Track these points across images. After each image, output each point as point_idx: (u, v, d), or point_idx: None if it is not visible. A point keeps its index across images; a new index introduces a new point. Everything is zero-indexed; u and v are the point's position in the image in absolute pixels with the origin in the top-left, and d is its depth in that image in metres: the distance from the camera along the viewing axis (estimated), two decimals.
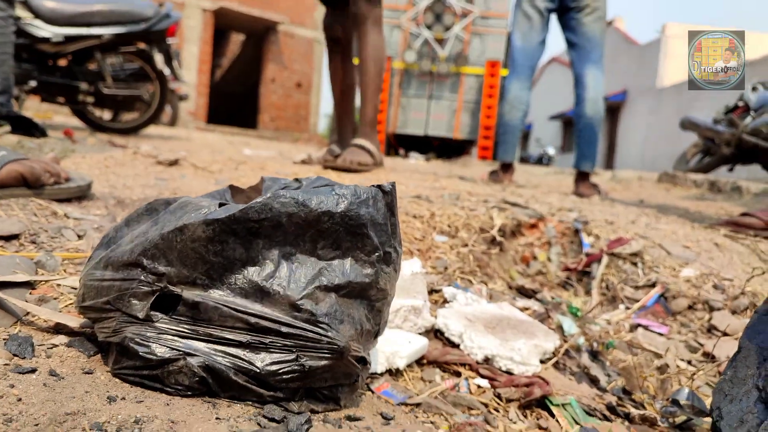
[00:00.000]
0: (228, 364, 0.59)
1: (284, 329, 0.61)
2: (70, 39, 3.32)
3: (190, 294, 0.60)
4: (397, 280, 0.73)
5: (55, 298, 0.76)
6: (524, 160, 15.53)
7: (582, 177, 3.44)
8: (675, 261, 1.76)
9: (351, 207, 0.65)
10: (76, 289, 0.82)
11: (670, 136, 14.76)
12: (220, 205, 0.63)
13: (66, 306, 0.76)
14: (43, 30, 3.24)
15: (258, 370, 0.60)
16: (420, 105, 8.19)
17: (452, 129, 8.23)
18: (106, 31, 3.38)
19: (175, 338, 0.59)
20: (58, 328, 0.69)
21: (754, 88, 5.52)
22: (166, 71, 3.67)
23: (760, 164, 5.44)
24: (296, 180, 0.84)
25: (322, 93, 15.24)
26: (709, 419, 0.88)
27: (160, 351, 0.58)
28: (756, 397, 0.69)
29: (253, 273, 0.62)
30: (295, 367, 0.61)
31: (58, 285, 0.81)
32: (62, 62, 3.57)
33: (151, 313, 0.60)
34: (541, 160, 15.13)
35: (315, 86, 14.16)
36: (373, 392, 0.79)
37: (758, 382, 0.70)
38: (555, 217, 2.02)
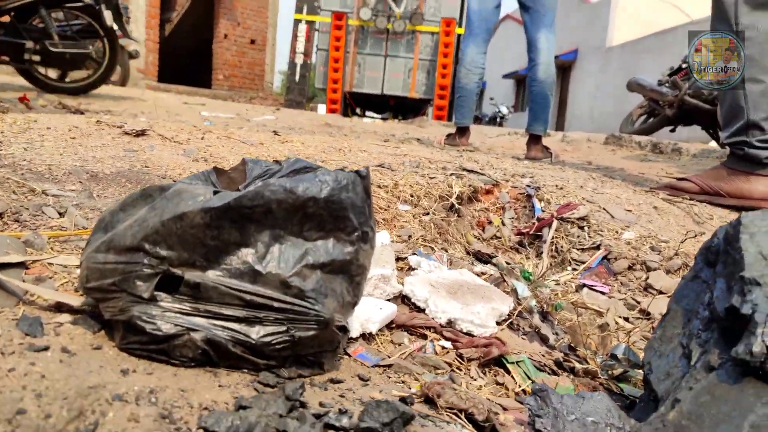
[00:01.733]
0: (227, 337, 0.66)
1: (276, 304, 0.68)
2: None
3: (191, 275, 0.66)
4: (372, 255, 0.81)
5: (50, 278, 0.81)
6: (478, 119, 15.72)
7: (534, 140, 3.57)
8: (617, 224, 1.91)
9: (333, 192, 0.72)
10: (67, 267, 0.86)
11: (617, 94, 15.19)
12: (215, 192, 0.68)
13: (62, 284, 0.80)
14: None
15: (254, 342, 0.67)
16: (376, 63, 8.16)
17: (408, 88, 8.26)
18: None
19: (178, 315, 0.66)
20: (59, 307, 0.74)
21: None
22: (115, 27, 3.54)
23: (699, 125, 5.74)
24: (276, 162, 0.90)
25: (278, 50, 14.82)
26: (642, 371, 1.02)
27: (166, 327, 0.65)
28: (680, 353, 0.81)
29: (246, 254, 0.68)
30: (286, 338, 0.69)
31: (50, 264, 0.85)
32: (5, 19, 3.39)
33: (155, 293, 0.66)
34: (495, 119, 15.36)
35: (270, 43, 13.77)
36: (349, 356, 0.87)
37: (682, 340, 0.83)
38: (509, 183, 2.13)
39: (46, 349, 0.63)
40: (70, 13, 3.56)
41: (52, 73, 3.82)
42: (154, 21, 11.71)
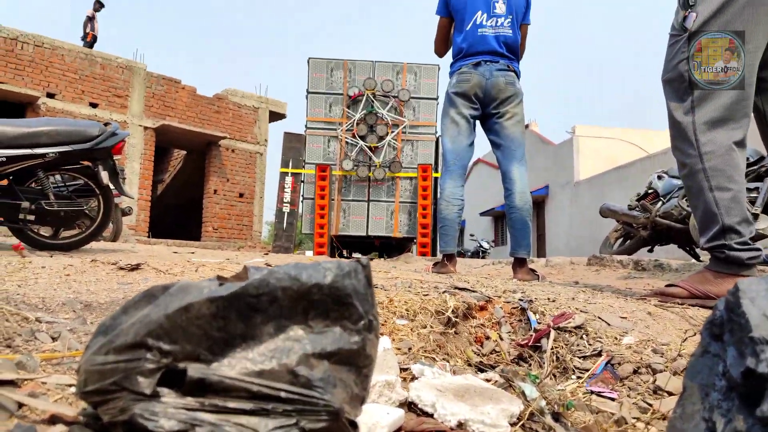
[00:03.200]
0: None
1: (284, 395, 0.66)
2: (12, 159, 3.32)
3: (195, 369, 0.65)
4: (378, 345, 0.80)
5: (43, 394, 0.77)
6: (461, 254, 16.02)
7: (520, 263, 3.63)
8: (615, 331, 1.89)
9: (337, 278, 0.73)
10: (60, 385, 0.83)
11: (589, 223, 15.85)
12: (220, 284, 0.69)
13: (55, 401, 0.77)
14: None
15: None
16: (360, 208, 8.54)
17: (392, 228, 8.56)
18: (51, 150, 3.40)
19: (182, 411, 0.63)
20: (54, 420, 0.70)
21: (659, 177, 6.13)
22: (111, 187, 3.68)
23: (675, 243, 5.90)
24: (277, 267, 0.92)
25: (265, 202, 15.43)
26: None
27: (169, 424, 0.62)
28: (704, 427, 0.78)
29: (252, 345, 0.67)
30: (296, 431, 0.65)
31: (44, 383, 0.82)
32: (3, 182, 3.52)
33: (158, 389, 0.64)
34: (478, 253, 15.67)
35: (257, 196, 14.39)
36: None
37: (704, 414, 0.80)
38: (501, 299, 2.13)
39: None
40: (67, 174, 3.72)
41: (45, 231, 3.88)
42: (147, 182, 12.25)
